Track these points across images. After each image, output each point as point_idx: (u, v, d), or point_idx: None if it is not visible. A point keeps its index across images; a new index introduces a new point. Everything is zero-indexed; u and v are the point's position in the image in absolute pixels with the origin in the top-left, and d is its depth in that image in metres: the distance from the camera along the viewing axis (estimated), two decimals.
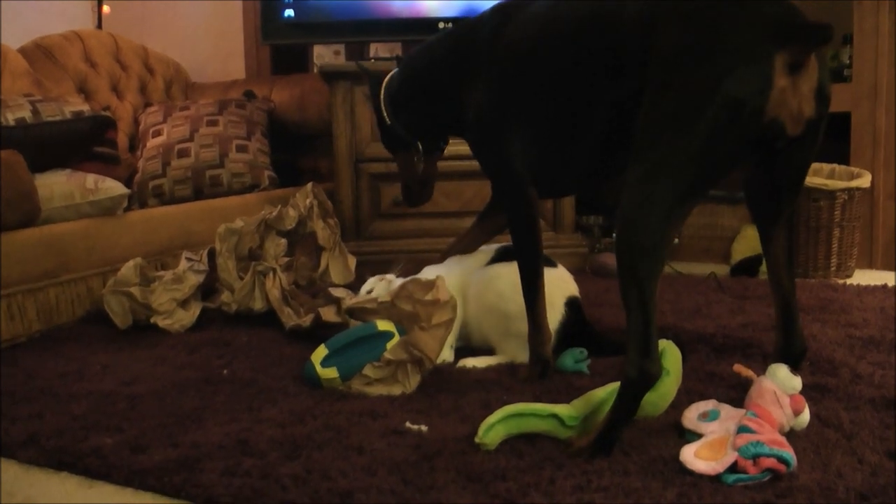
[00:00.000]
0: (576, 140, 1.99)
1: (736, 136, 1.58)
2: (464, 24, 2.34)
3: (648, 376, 1.60)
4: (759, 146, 1.68)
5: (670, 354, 1.86)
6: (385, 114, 2.47)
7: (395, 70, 2.48)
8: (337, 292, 2.61)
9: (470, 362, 2.26)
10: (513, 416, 1.70)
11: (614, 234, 1.65)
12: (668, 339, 1.94)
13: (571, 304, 2.33)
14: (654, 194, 1.59)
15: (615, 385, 1.73)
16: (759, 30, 1.56)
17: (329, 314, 2.48)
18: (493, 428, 1.67)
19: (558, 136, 2.03)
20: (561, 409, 1.72)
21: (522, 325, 2.20)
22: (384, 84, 2.48)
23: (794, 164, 1.80)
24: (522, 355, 2.24)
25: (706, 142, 1.56)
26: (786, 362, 1.83)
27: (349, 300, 2.45)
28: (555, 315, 2.28)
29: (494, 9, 2.24)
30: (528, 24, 2.09)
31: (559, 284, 2.34)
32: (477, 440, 1.66)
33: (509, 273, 2.25)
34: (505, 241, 2.35)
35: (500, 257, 2.39)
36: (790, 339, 1.93)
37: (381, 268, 2.87)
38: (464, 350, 2.35)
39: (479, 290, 2.34)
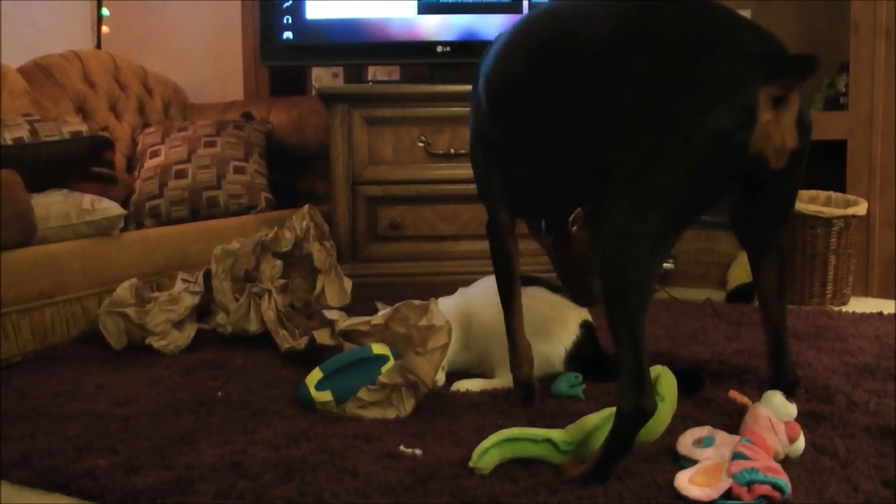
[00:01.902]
0: (547, 165, 1.98)
1: (719, 171, 1.57)
2: None
3: (643, 412, 1.56)
4: (743, 178, 1.69)
5: (665, 381, 1.85)
6: None
7: None
8: (331, 314, 2.61)
9: (464, 385, 2.25)
10: (507, 440, 1.69)
11: (598, 268, 1.64)
12: (664, 365, 1.94)
13: (585, 325, 2.34)
14: (639, 229, 1.56)
15: (610, 410, 1.72)
16: (742, 63, 1.54)
17: (323, 337, 2.48)
18: (488, 452, 1.67)
19: (532, 161, 2.02)
20: (555, 434, 1.71)
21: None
22: None
23: (780, 194, 1.82)
24: None
25: (690, 176, 1.55)
26: (779, 388, 1.86)
27: (343, 322, 2.44)
28: (568, 336, 2.30)
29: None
30: (507, 50, 2.07)
31: (573, 307, 2.36)
32: (471, 464, 1.65)
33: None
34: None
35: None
36: (780, 370, 1.97)
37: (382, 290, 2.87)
38: (458, 374, 2.34)
39: (485, 312, 2.35)
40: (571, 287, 2.40)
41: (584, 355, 2.30)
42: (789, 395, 1.79)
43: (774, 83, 1.53)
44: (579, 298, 2.38)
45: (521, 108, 1.97)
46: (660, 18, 1.68)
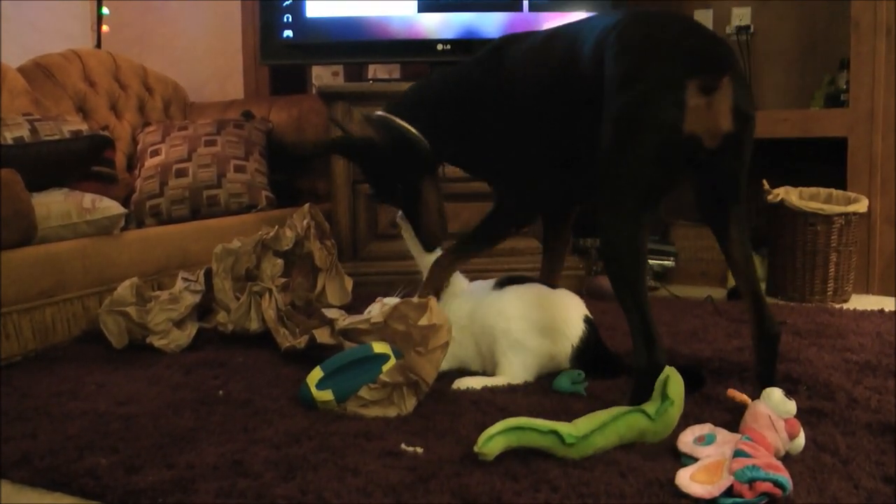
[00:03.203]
0: (557, 159, 2.29)
1: (663, 151, 1.88)
2: (473, 59, 2.55)
3: (657, 365, 1.86)
4: (686, 158, 1.92)
5: (673, 383, 1.83)
6: (406, 126, 2.56)
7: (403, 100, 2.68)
8: (331, 313, 2.60)
9: (466, 383, 2.25)
10: (513, 428, 1.69)
11: (601, 248, 2.06)
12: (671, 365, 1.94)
13: (588, 321, 2.35)
14: (621, 213, 1.93)
15: (619, 409, 1.78)
16: (675, 60, 1.91)
17: (323, 336, 2.48)
18: (493, 438, 1.67)
19: (545, 155, 2.31)
20: (561, 427, 1.71)
21: (527, 344, 2.25)
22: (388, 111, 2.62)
23: (724, 173, 2.02)
24: (521, 377, 2.25)
25: (643, 159, 1.89)
26: (761, 349, 2.06)
27: (342, 321, 2.44)
28: (575, 332, 2.30)
29: (496, 43, 2.49)
30: (519, 57, 2.37)
31: (575, 303, 2.38)
32: (476, 449, 1.66)
33: (516, 295, 2.32)
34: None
35: (507, 283, 2.40)
36: (762, 324, 2.06)
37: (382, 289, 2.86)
38: (459, 373, 2.35)
39: (485, 311, 2.35)
40: (430, 232, 2.57)
41: (589, 351, 2.30)
42: (773, 358, 2.00)
43: (698, 77, 1.86)
44: (429, 243, 2.57)
45: (548, 114, 2.26)
46: (621, 28, 2.03)
